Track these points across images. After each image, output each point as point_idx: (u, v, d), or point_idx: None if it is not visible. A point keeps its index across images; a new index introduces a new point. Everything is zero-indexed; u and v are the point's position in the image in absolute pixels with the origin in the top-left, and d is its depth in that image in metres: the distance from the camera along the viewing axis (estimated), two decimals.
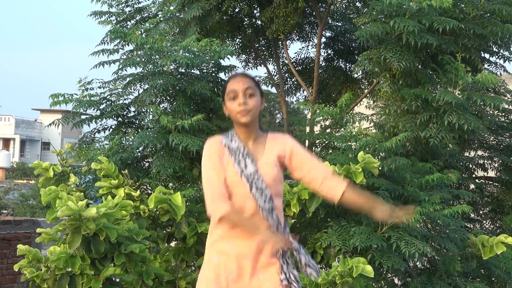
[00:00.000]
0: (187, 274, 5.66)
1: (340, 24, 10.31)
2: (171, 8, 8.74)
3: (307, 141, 9.17)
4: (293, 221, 5.65)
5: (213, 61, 6.81)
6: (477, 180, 8.39)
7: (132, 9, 9.27)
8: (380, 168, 5.85)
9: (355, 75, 9.83)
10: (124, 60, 7.01)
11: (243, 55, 10.29)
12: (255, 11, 9.54)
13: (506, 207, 8.03)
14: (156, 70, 6.69)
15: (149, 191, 6.32)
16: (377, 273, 5.59)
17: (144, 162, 6.98)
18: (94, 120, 7.15)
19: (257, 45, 10.16)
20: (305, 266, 3.44)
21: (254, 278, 3.37)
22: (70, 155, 6.58)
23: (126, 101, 7.26)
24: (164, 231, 5.66)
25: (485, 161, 8.33)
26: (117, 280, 5.19)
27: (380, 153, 6.27)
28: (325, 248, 5.65)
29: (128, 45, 7.66)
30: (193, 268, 5.99)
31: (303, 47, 10.40)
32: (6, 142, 59.53)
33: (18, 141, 59.28)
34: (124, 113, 7.25)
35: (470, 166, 8.37)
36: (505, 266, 6.57)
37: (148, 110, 6.92)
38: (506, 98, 7.98)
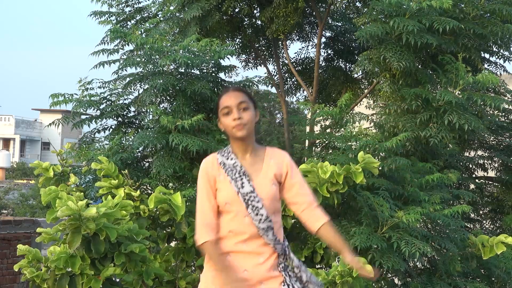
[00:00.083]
0: (187, 274, 5.66)
1: (340, 24, 10.31)
2: (171, 8, 8.74)
3: (307, 141, 9.18)
4: (293, 221, 5.65)
5: (213, 61, 6.81)
6: (477, 180, 8.39)
7: (132, 9, 9.26)
8: (380, 168, 5.85)
9: (355, 75, 9.83)
10: (124, 60, 7.01)
11: (243, 55, 10.29)
12: (255, 11, 9.54)
13: (506, 207, 8.03)
14: (156, 70, 6.69)
15: (149, 191, 6.32)
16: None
17: (144, 162, 6.99)
18: (94, 120, 7.15)
19: (257, 45, 10.16)
20: (306, 283, 3.45)
21: None
22: (70, 155, 6.58)
23: (126, 101, 7.27)
24: (164, 231, 5.66)
25: (485, 161, 8.33)
26: (117, 280, 5.19)
27: (380, 153, 6.27)
28: (325, 248, 5.65)
29: (128, 45, 7.66)
30: (193, 268, 5.99)
31: (303, 47, 10.40)
32: (6, 142, 59.54)
33: (18, 141, 59.29)
34: (124, 113, 7.26)
35: (470, 166, 8.37)
36: (505, 266, 6.57)
37: (148, 110, 6.92)
38: (506, 98, 7.98)
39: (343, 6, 9.95)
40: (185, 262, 5.74)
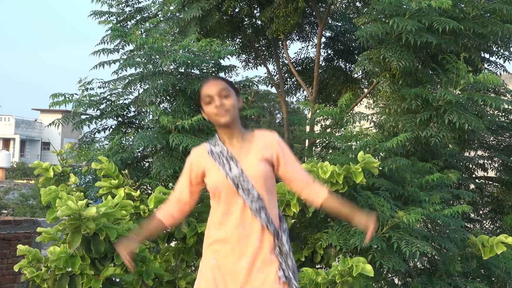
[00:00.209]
0: (187, 274, 5.65)
1: (340, 24, 10.31)
2: (171, 8, 8.74)
3: (307, 141, 9.18)
4: (293, 221, 5.65)
5: (213, 61, 6.81)
6: (477, 180, 8.38)
7: (132, 9, 9.27)
8: (380, 168, 5.85)
9: (355, 75, 9.84)
10: (124, 60, 7.01)
11: (243, 55, 10.29)
12: (255, 11, 9.54)
13: (506, 207, 8.03)
14: (156, 70, 6.69)
15: (149, 191, 6.32)
16: (377, 273, 5.59)
17: (144, 162, 6.99)
18: (94, 120, 7.15)
19: (257, 45, 10.16)
20: (288, 276, 3.43)
21: (253, 276, 3.40)
22: (70, 155, 6.58)
23: (126, 101, 7.27)
24: (164, 231, 5.66)
25: (485, 161, 8.33)
26: (117, 280, 5.18)
27: (380, 153, 6.27)
28: (325, 248, 5.65)
29: (128, 45, 7.66)
30: (193, 268, 5.98)
31: (303, 47, 10.41)
32: (6, 142, 59.54)
33: (18, 141, 59.29)
34: (124, 113, 7.26)
35: (470, 166, 8.37)
36: (505, 266, 6.57)
37: (148, 110, 6.92)
38: (506, 98, 7.98)
39: (343, 6, 9.96)
40: (185, 262, 5.73)
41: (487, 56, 7.79)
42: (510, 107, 7.97)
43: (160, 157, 6.32)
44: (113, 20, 8.74)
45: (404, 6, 6.63)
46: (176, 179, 6.41)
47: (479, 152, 8.45)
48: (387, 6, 6.61)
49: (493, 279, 6.83)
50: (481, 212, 8.40)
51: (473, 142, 8.25)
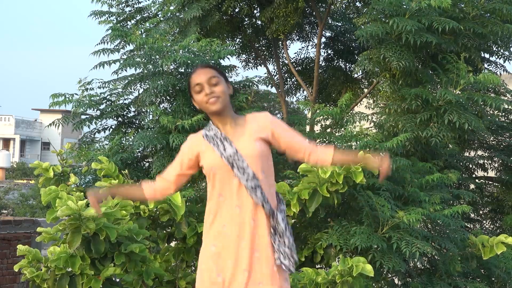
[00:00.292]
0: (187, 274, 5.65)
1: (340, 24, 10.31)
2: (171, 8, 8.74)
3: None
4: (293, 221, 5.65)
5: (213, 61, 6.81)
6: (477, 180, 8.38)
7: (132, 9, 9.26)
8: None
9: (355, 75, 9.83)
10: (124, 61, 7.01)
11: (243, 55, 10.29)
12: (255, 11, 9.54)
13: (506, 207, 8.02)
14: (156, 70, 6.69)
15: None
16: (377, 273, 5.59)
17: (144, 162, 6.99)
18: (94, 120, 7.15)
19: (257, 45, 10.15)
20: (284, 253, 3.45)
21: (254, 258, 3.41)
22: (70, 155, 6.58)
23: (126, 101, 7.27)
24: (164, 231, 5.66)
25: (485, 161, 8.32)
26: (117, 280, 5.18)
27: (381, 153, 6.26)
28: (325, 248, 5.65)
29: (128, 45, 7.66)
30: (193, 268, 5.98)
31: (303, 47, 10.40)
32: (6, 142, 59.53)
33: (18, 141, 59.28)
34: (124, 113, 7.26)
35: (470, 166, 8.37)
36: (505, 266, 6.57)
37: (148, 110, 6.92)
38: (506, 98, 7.98)
39: (343, 6, 9.95)
40: (185, 262, 5.73)
41: (487, 56, 7.79)
42: (510, 107, 7.97)
43: (160, 157, 6.32)
44: (113, 20, 8.74)
45: (404, 6, 6.63)
46: None
47: (479, 152, 8.45)
48: (387, 6, 6.61)
49: (493, 279, 6.83)
50: (481, 212, 8.40)
51: (473, 142, 8.25)
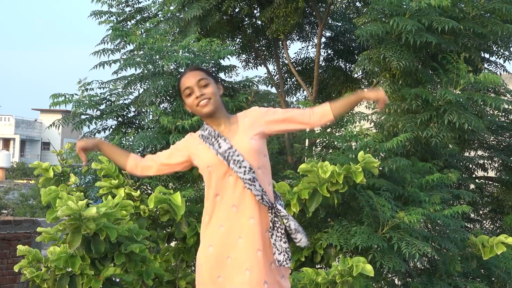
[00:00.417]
0: (187, 274, 5.65)
1: (340, 24, 10.31)
2: (171, 8, 8.74)
3: (307, 140, 9.18)
4: None
5: (213, 61, 6.81)
6: (477, 180, 8.38)
7: (132, 9, 9.27)
8: (380, 169, 5.85)
9: (355, 75, 9.83)
10: (124, 61, 7.01)
11: (243, 55, 10.29)
12: (255, 11, 9.54)
13: (506, 207, 8.02)
14: (156, 70, 6.69)
15: (149, 191, 6.32)
16: (377, 273, 5.59)
17: None
18: (94, 120, 7.15)
19: (257, 45, 10.16)
20: (295, 231, 3.48)
21: (254, 255, 3.41)
22: (70, 155, 6.58)
23: (126, 101, 7.26)
24: (164, 231, 5.66)
25: (485, 161, 8.32)
26: (117, 280, 5.18)
27: (381, 154, 6.27)
28: (325, 248, 5.65)
29: (128, 45, 7.66)
30: (193, 268, 5.98)
31: (303, 47, 10.41)
32: (6, 142, 59.52)
33: (18, 141, 59.28)
34: (124, 113, 7.25)
35: (470, 166, 8.37)
36: (505, 266, 6.57)
37: (148, 110, 6.91)
38: (506, 98, 7.98)
39: (343, 6, 9.95)
40: (185, 262, 5.73)
41: (487, 56, 7.79)
42: (510, 107, 7.97)
43: None
44: (113, 20, 8.74)
45: (404, 6, 6.63)
46: (176, 179, 6.44)
47: (479, 152, 8.45)
48: (387, 6, 6.61)
49: (493, 279, 6.83)
50: (481, 212, 8.40)
51: (473, 142, 8.25)
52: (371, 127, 7.40)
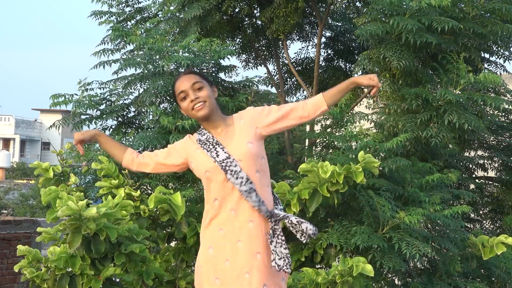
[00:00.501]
0: (187, 274, 5.65)
1: (340, 24, 10.31)
2: (171, 8, 8.74)
3: (307, 140, 9.18)
4: None
5: (213, 61, 6.81)
6: (477, 180, 8.38)
7: (132, 9, 9.26)
8: (380, 169, 5.85)
9: (355, 75, 9.83)
10: (125, 61, 7.01)
11: (243, 55, 10.29)
12: (255, 11, 9.54)
13: (506, 207, 8.02)
14: (156, 70, 6.69)
15: (149, 191, 6.32)
16: (377, 273, 5.59)
17: None
18: (94, 120, 7.15)
19: (257, 45, 10.15)
20: (298, 224, 3.46)
21: (253, 259, 3.41)
22: (70, 155, 6.58)
23: (126, 101, 7.27)
24: (164, 231, 5.66)
25: (485, 161, 8.32)
26: (117, 280, 5.18)
27: (381, 154, 6.27)
28: (325, 248, 5.65)
29: (128, 44, 7.66)
30: (193, 268, 5.98)
31: (303, 47, 10.40)
32: (6, 142, 59.53)
33: (18, 141, 59.28)
34: (124, 113, 7.25)
35: (470, 166, 8.37)
36: (505, 266, 6.57)
37: (148, 110, 6.91)
38: (506, 98, 7.98)
39: (343, 6, 9.95)
40: (185, 262, 5.73)
41: (487, 56, 7.79)
42: (510, 107, 7.97)
43: None
44: (113, 20, 8.74)
45: (404, 6, 6.63)
46: (176, 179, 6.44)
47: (479, 152, 8.45)
48: (387, 6, 6.61)
49: (493, 279, 6.83)
50: (481, 212, 8.40)
51: (473, 142, 8.25)
52: (371, 127, 7.39)
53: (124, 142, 6.75)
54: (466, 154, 8.39)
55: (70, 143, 6.75)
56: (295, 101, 11.19)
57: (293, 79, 10.44)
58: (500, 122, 8.37)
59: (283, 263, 3.42)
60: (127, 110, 7.27)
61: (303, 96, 10.64)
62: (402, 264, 5.62)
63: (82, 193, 5.84)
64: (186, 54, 6.64)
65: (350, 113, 7.11)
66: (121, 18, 9.02)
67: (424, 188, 6.30)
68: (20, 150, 59.48)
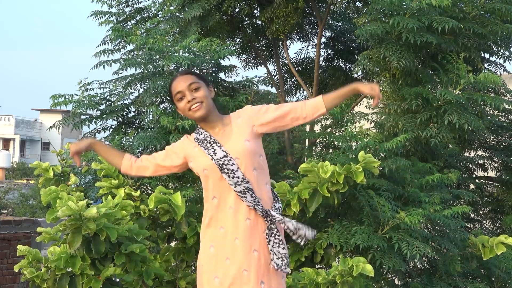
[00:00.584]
0: (187, 274, 5.65)
1: (340, 24, 10.30)
2: (171, 8, 8.74)
3: (307, 140, 9.18)
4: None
5: (213, 61, 6.81)
6: (477, 180, 8.38)
7: (132, 9, 9.26)
8: (380, 169, 5.85)
9: (355, 75, 9.82)
10: (125, 61, 7.01)
11: (243, 55, 10.28)
12: (255, 11, 9.53)
13: (506, 207, 8.02)
14: (156, 70, 6.69)
15: (149, 191, 6.32)
16: (377, 273, 5.59)
17: None
18: (94, 120, 7.15)
19: (257, 45, 10.15)
20: (295, 231, 3.48)
21: (251, 257, 3.42)
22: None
23: (126, 102, 7.27)
24: (164, 231, 5.66)
25: (485, 161, 8.32)
26: (117, 280, 5.18)
27: (381, 154, 6.27)
28: (325, 248, 5.65)
29: (129, 45, 7.66)
30: (193, 268, 5.98)
31: (303, 47, 10.40)
32: (6, 142, 59.53)
33: (18, 141, 59.28)
34: (124, 113, 7.25)
35: (470, 166, 8.36)
36: (505, 266, 6.57)
37: (148, 111, 6.91)
38: (506, 98, 7.98)
39: (343, 6, 9.95)
40: (185, 262, 5.73)
41: (487, 56, 7.78)
42: (510, 107, 7.96)
43: None
44: (113, 21, 8.74)
45: (404, 6, 6.63)
46: (176, 179, 6.44)
47: (479, 152, 8.44)
48: (387, 6, 6.61)
49: (493, 279, 6.83)
50: (481, 212, 8.40)
51: (473, 142, 8.24)
52: (371, 127, 7.39)
53: (124, 142, 6.75)
54: (466, 154, 8.39)
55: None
56: (295, 101, 11.19)
57: (293, 79, 10.43)
58: (500, 122, 8.36)
59: (281, 263, 3.43)
60: (127, 110, 7.27)
61: (303, 96, 10.64)
62: (402, 264, 5.62)
63: (82, 193, 5.84)
64: (186, 54, 6.64)
65: (350, 113, 7.11)
66: (121, 18, 9.02)
67: (424, 188, 6.30)
68: (20, 150, 59.48)
